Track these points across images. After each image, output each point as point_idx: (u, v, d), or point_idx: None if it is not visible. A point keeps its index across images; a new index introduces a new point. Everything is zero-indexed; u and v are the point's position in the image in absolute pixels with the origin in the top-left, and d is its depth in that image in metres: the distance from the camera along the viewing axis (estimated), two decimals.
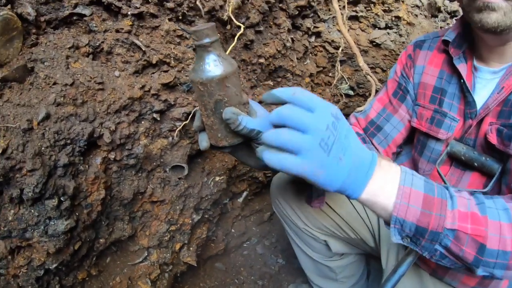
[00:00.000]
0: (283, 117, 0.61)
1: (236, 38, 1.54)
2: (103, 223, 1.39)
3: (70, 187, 1.21)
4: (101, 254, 1.49)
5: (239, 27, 1.59)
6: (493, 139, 1.00)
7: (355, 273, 1.74)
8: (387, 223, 0.74)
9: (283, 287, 2.05)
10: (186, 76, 1.56)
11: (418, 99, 1.23)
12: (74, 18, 1.29)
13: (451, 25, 2.39)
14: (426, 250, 0.73)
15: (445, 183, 1.11)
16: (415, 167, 1.31)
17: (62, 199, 1.18)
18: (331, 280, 1.70)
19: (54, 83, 1.23)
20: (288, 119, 0.60)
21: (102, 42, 1.34)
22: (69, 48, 1.28)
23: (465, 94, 1.08)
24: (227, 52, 1.54)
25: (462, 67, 1.08)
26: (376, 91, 1.99)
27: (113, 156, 1.38)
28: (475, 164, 1.06)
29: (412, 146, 1.34)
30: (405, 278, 1.20)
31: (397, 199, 0.69)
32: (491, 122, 1.02)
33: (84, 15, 1.30)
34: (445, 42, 1.12)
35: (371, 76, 2.01)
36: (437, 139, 1.16)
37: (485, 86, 1.06)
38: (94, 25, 1.32)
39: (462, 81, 1.08)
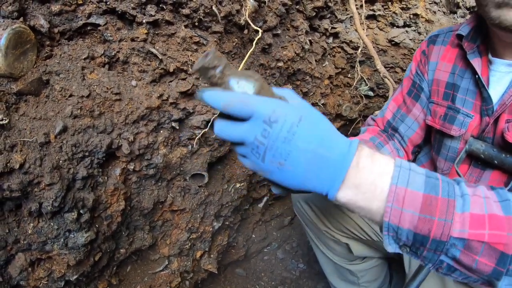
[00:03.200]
0: (216, 134, 0.60)
1: (254, 43, 1.52)
2: (123, 233, 1.39)
3: (90, 200, 1.20)
4: (121, 264, 1.49)
5: (257, 31, 1.56)
6: (511, 137, 0.95)
7: (377, 278, 1.70)
8: (381, 229, 0.62)
9: None
10: (205, 83, 1.54)
11: (432, 96, 1.20)
12: (88, 28, 1.28)
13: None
14: (430, 262, 0.61)
15: None
16: (434, 167, 1.28)
17: (81, 211, 1.18)
18: (352, 285, 1.67)
19: (70, 95, 1.22)
20: (221, 135, 0.59)
21: (118, 51, 1.33)
22: (84, 59, 1.27)
23: (480, 89, 1.04)
24: (246, 58, 1.51)
25: (476, 62, 1.04)
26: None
27: (132, 167, 1.37)
28: (495, 162, 1.01)
29: (431, 146, 1.30)
30: (426, 283, 1.15)
31: (388, 202, 0.57)
32: (508, 119, 0.98)
33: (99, 25, 1.29)
34: (459, 37, 1.08)
35: (388, 79, 1.96)
36: (452, 137, 1.12)
37: (500, 80, 1.01)
38: (109, 34, 1.31)
39: (477, 76, 1.03)
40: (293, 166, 0.57)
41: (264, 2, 1.65)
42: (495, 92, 1.01)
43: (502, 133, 0.98)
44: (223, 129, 0.59)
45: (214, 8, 1.46)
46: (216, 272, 1.74)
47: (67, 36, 1.25)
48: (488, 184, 1.03)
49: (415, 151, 1.35)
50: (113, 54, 1.32)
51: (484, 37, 1.03)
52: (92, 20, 1.26)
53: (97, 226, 1.25)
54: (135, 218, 1.43)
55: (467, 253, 0.57)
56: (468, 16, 2.33)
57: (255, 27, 1.54)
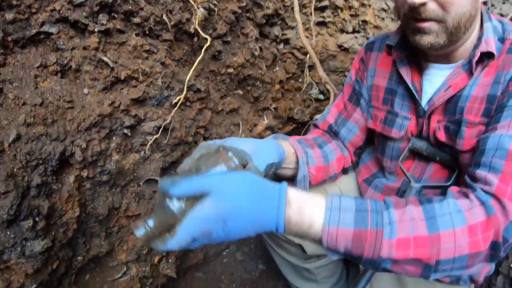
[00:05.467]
0: None
1: (203, 51, 1.57)
2: (80, 240, 1.39)
3: (45, 207, 1.21)
4: (80, 272, 1.48)
5: (206, 39, 1.62)
6: (442, 136, 1.05)
7: (334, 273, 1.76)
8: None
9: None
10: (155, 90, 1.57)
11: (372, 101, 1.27)
12: (42, 36, 1.29)
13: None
14: (369, 267, 0.76)
15: (408, 179, 1.15)
16: (380, 166, 1.36)
17: (37, 219, 1.18)
18: (311, 282, 1.72)
19: (24, 103, 1.22)
20: None
21: (70, 60, 1.35)
22: (37, 67, 1.28)
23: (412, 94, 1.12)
24: (194, 65, 1.56)
25: (405, 70, 1.12)
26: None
27: (86, 174, 1.38)
28: (437, 157, 1.11)
29: (374, 147, 1.39)
30: (381, 275, 1.23)
31: (323, 238, 0.72)
32: (439, 120, 1.07)
33: (51, 33, 1.30)
34: (389, 47, 1.15)
35: (330, 85, 2.07)
36: (394, 139, 1.20)
37: (432, 83, 1.10)
38: (61, 43, 1.33)
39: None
40: (234, 225, 0.67)
41: (214, 11, 1.71)
42: (427, 94, 1.10)
43: (434, 132, 1.07)
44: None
45: (164, 17, 1.51)
46: (176, 277, 1.76)
47: (21, 44, 1.25)
48: (432, 176, 1.14)
49: (358, 152, 1.42)
50: (65, 62, 1.33)
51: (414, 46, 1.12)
52: (45, 28, 1.27)
53: (53, 233, 1.25)
54: (91, 225, 1.44)
55: (396, 266, 0.72)
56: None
57: (204, 35, 1.60)
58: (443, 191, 1.12)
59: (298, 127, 2.57)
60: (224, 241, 0.67)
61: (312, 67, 2.45)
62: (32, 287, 1.21)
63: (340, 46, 2.49)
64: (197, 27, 1.60)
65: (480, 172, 0.82)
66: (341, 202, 0.73)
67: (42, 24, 1.28)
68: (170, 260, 1.71)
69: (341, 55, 2.50)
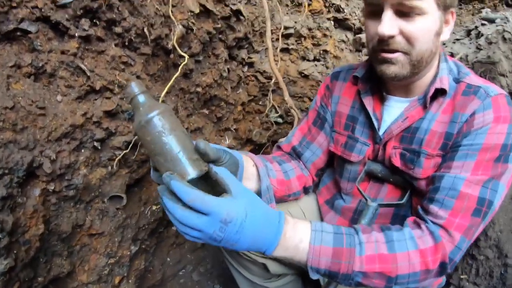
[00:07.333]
0: (180, 220, 0.73)
1: (180, 68, 1.56)
2: (41, 260, 1.27)
3: (9, 222, 1.10)
4: None
5: (183, 56, 1.61)
6: (397, 162, 1.13)
7: None
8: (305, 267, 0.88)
9: None
10: (128, 104, 1.52)
11: (334, 126, 1.34)
12: (18, 34, 1.20)
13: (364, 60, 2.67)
14: (343, 283, 0.91)
15: (365, 198, 1.21)
16: (338, 187, 1.42)
17: (0, 236, 1.07)
18: None
19: None
20: (184, 222, 0.73)
21: (46, 63, 1.26)
22: (11, 66, 1.18)
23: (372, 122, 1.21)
24: (170, 82, 1.54)
25: (368, 100, 1.21)
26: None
27: (52, 187, 1.28)
28: (391, 179, 1.20)
29: (333, 169, 1.45)
30: None
31: (309, 254, 0.86)
32: (395, 146, 1.16)
33: (30, 32, 1.21)
34: (355, 78, 1.24)
35: (294, 110, 2.14)
36: (352, 162, 1.27)
37: (390, 113, 1.19)
38: (38, 43, 1.24)
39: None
40: (241, 244, 0.78)
41: (192, 29, 1.71)
42: (385, 123, 1.18)
43: (390, 157, 1.16)
44: (186, 219, 0.73)
45: (145, 30, 1.48)
46: None
47: None
48: (386, 196, 1.24)
49: (319, 174, 1.47)
50: (40, 65, 1.24)
51: (378, 78, 1.19)
52: (23, 25, 1.19)
53: (15, 252, 1.13)
54: (53, 243, 1.32)
55: (366, 279, 0.88)
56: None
57: (182, 53, 1.59)
58: (396, 209, 1.22)
59: (256, 149, 2.60)
60: (230, 238, 0.76)
61: (273, 91, 2.52)
62: None
63: (300, 73, 2.58)
64: (175, 43, 1.59)
65: (433, 207, 0.97)
66: (322, 226, 0.90)
67: (21, 20, 1.18)
68: (130, 281, 1.62)
69: (301, 81, 2.59)
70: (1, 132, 1.12)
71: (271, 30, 2.32)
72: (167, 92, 1.75)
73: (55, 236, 1.33)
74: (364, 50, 2.69)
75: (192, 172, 0.75)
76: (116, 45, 1.43)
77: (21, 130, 1.18)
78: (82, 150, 1.41)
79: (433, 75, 1.10)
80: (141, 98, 0.76)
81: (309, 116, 1.41)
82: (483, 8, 3.09)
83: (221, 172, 0.80)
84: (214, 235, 0.74)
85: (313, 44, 2.52)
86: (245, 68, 2.39)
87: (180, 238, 2.19)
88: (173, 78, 1.55)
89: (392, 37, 0.95)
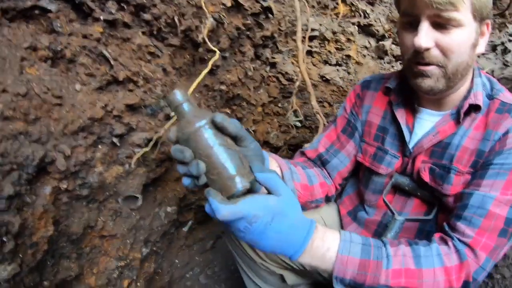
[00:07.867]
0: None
1: (210, 63, 1.44)
2: (48, 263, 1.15)
3: (15, 224, 0.98)
4: None
5: (210, 50, 1.50)
6: (426, 176, 1.10)
7: None
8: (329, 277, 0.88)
9: None
10: (152, 98, 1.40)
11: (364, 136, 1.30)
12: (36, 12, 1.08)
13: (396, 69, 2.56)
14: None
15: (392, 212, 1.19)
16: (361, 198, 1.37)
17: (4, 239, 0.95)
18: None
19: (4, 90, 0.99)
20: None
21: (66, 47, 1.14)
22: (26, 48, 1.06)
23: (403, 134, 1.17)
24: (200, 78, 1.42)
25: (400, 113, 1.17)
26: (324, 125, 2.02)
27: (65, 186, 1.16)
28: (418, 193, 1.16)
29: (358, 179, 1.40)
30: None
31: (336, 264, 0.85)
32: (424, 160, 1.12)
33: (49, 11, 1.09)
34: (388, 89, 1.20)
35: (320, 115, 2.03)
36: (380, 174, 1.23)
37: (422, 126, 1.14)
38: (58, 25, 1.12)
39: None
40: (264, 246, 0.78)
41: (222, 23, 1.59)
42: (416, 136, 1.14)
43: (419, 171, 1.12)
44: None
45: (176, 19, 1.36)
46: None
47: (10, 16, 1.03)
48: (412, 211, 1.21)
49: (343, 183, 1.42)
50: (59, 49, 1.12)
51: (411, 91, 1.15)
52: (42, 3, 1.06)
53: (21, 256, 1.01)
54: (61, 245, 1.20)
55: None
56: (395, 64, 2.56)
57: (213, 47, 1.46)
58: (421, 224, 1.19)
59: (272, 152, 2.49)
60: (253, 238, 0.76)
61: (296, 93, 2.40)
62: None
63: (322, 77, 2.47)
64: (205, 37, 1.47)
65: (460, 225, 0.95)
66: (352, 236, 0.89)
67: None
68: (139, 284, 1.51)
69: (322, 85, 2.48)
70: (10, 122, 0.99)
71: (295, 32, 2.21)
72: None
73: (64, 237, 1.21)
74: (387, 58, 2.60)
75: (236, 186, 0.75)
76: (143, 33, 1.31)
77: (34, 120, 1.06)
78: (99, 146, 1.29)
79: (467, 89, 1.07)
80: (186, 107, 0.75)
81: (338, 123, 1.36)
82: (503, 23, 2.98)
83: (264, 176, 0.79)
84: (238, 232, 0.76)
85: (336, 48, 2.41)
86: (267, 68, 2.27)
87: (189, 240, 2.09)
88: (203, 74, 1.43)
89: (428, 49, 0.93)
